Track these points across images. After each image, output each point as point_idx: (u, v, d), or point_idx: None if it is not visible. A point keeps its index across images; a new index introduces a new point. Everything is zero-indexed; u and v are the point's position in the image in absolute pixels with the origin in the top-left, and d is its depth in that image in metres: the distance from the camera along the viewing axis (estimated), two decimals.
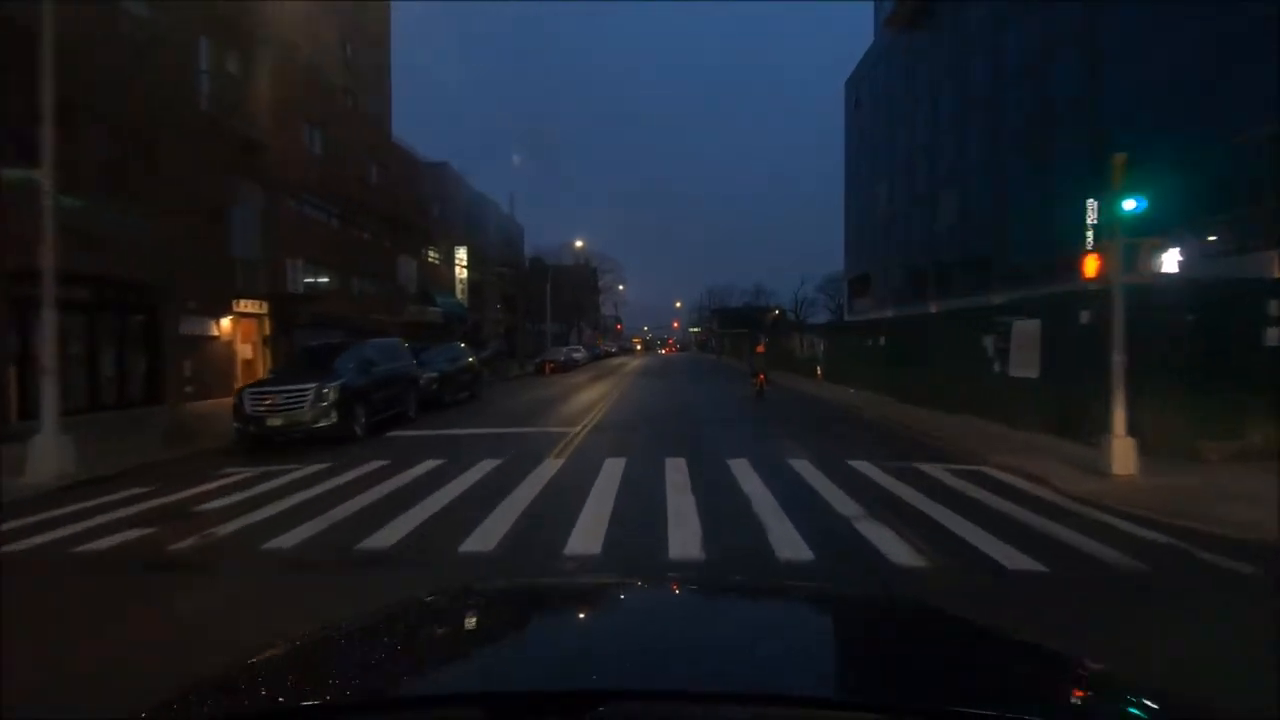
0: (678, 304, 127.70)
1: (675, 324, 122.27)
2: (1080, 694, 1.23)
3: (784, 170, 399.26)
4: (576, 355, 43.19)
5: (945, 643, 1.43)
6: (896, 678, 1.19)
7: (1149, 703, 1.10)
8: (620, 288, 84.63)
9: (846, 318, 50.44)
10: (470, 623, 1.59)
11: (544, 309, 55.88)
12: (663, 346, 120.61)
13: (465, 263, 36.26)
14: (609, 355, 69.52)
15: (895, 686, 1.14)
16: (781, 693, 1.05)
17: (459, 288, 36.13)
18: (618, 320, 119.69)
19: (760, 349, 20.92)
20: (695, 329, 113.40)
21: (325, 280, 24.57)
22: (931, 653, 1.36)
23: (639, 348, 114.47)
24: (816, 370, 26.05)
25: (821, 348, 27.17)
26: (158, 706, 1.11)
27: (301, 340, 19.41)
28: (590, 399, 19.67)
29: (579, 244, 47.42)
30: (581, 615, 1.69)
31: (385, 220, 28.62)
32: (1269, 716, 2.81)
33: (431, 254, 34.62)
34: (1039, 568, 5.00)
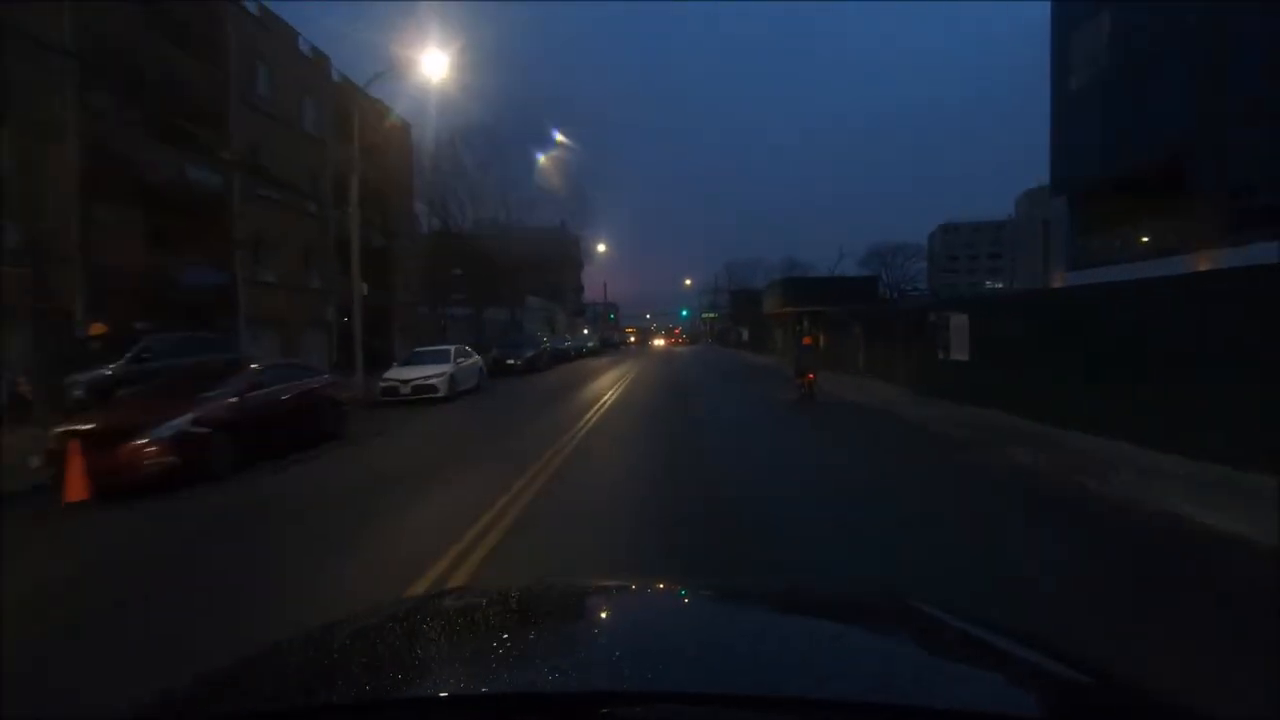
0: (687, 281, 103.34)
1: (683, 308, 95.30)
2: (1082, 698, 1.15)
3: (786, 149, 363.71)
4: (429, 377, 15.02)
5: (952, 647, 1.36)
6: (900, 680, 1.14)
7: (1153, 709, 1.10)
8: (600, 247, 56.68)
9: (1065, 279, 21.98)
10: (470, 623, 1.51)
11: (487, 281, 28.21)
12: (665, 335, 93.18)
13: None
14: (576, 357, 41.28)
15: (898, 689, 1.09)
16: (784, 695, 1.02)
17: None
18: (610, 305, 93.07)
19: (807, 340, 16.45)
20: (710, 314, 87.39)
21: None
22: (938, 656, 1.32)
23: (632, 340, 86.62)
24: None
25: None
26: (154, 705, 1.10)
27: None
28: None
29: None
30: (582, 616, 1.60)
31: None
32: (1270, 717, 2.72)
33: None
34: None
